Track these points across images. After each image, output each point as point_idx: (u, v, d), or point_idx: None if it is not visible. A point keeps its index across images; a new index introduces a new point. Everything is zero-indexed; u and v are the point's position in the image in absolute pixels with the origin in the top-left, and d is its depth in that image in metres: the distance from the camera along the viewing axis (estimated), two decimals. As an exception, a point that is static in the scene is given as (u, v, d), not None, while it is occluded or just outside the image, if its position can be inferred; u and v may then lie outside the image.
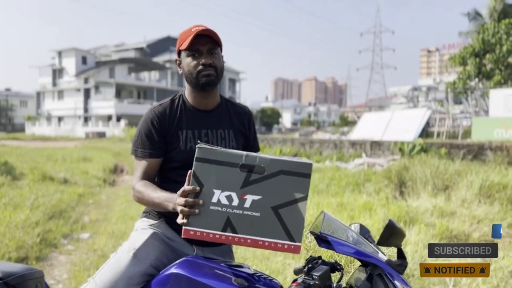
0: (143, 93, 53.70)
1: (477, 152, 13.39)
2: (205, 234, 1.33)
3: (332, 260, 1.53)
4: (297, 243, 1.34)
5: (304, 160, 1.36)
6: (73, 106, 52.11)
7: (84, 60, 53.67)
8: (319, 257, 1.50)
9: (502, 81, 23.73)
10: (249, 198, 1.33)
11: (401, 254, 1.47)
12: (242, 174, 1.33)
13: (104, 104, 48.94)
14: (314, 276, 1.34)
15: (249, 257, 4.16)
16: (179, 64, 1.74)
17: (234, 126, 1.81)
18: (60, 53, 54.64)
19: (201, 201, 1.31)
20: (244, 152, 1.35)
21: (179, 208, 1.33)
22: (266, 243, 1.34)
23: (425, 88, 34.05)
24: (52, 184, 8.82)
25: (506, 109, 17.51)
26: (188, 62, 1.68)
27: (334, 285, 1.41)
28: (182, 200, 1.32)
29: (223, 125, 1.78)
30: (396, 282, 1.39)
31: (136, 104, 49.71)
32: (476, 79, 25.48)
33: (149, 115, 1.71)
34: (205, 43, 1.65)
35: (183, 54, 1.70)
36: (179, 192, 1.35)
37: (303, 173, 1.33)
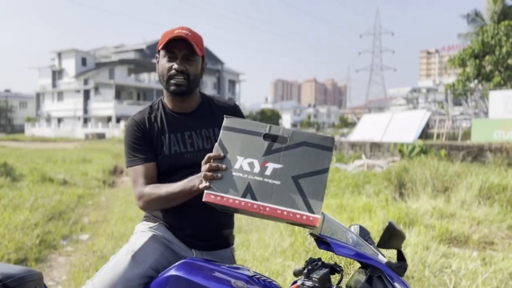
0: (143, 94, 53.73)
1: (477, 154, 13.39)
2: (225, 198, 1.34)
3: (332, 262, 1.52)
4: (316, 215, 1.32)
5: (328, 135, 1.37)
6: (72, 107, 52.11)
7: (83, 61, 53.70)
8: (319, 259, 1.50)
9: (502, 83, 23.74)
10: (270, 166, 1.34)
11: (401, 256, 1.47)
12: (265, 143, 1.36)
13: (104, 105, 48.96)
14: (313, 278, 1.34)
15: (248, 259, 4.16)
16: (158, 63, 1.72)
17: (219, 123, 1.79)
18: (59, 54, 54.67)
19: (224, 166, 1.34)
20: (268, 124, 1.38)
21: (202, 174, 1.35)
22: (285, 212, 1.32)
23: (424, 89, 34.08)
24: (52, 186, 8.81)
25: (505, 111, 17.51)
26: (162, 63, 1.66)
27: (334, 287, 1.41)
28: (206, 166, 1.35)
29: (206, 125, 1.74)
30: (396, 284, 1.39)
31: (136, 106, 49.69)
32: (476, 81, 25.49)
33: (130, 124, 1.71)
34: (182, 48, 1.62)
35: (160, 53, 1.67)
36: (204, 159, 1.37)
37: (325, 146, 1.35)
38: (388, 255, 1.73)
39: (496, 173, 8.10)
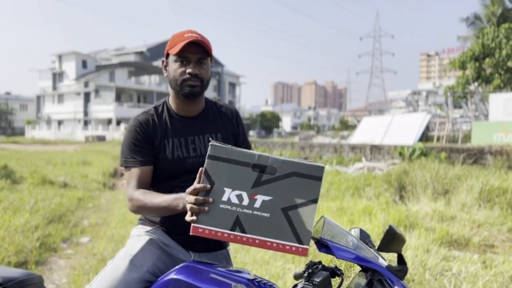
0: (143, 97, 53.76)
1: (477, 157, 13.39)
2: (213, 232, 1.32)
3: (332, 265, 1.52)
4: (305, 246, 1.32)
5: (317, 163, 1.35)
6: (73, 109, 52.15)
7: (84, 64, 53.78)
8: (319, 262, 1.50)
9: (502, 85, 23.78)
10: (260, 198, 1.32)
11: (401, 260, 1.47)
12: (254, 174, 1.32)
13: (104, 107, 49.01)
14: (314, 282, 1.34)
15: (248, 262, 4.15)
16: (165, 67, 1.72)
17: (221, 128, 1.78)
18: (60, 57, 54.76)
19: (211, 199, 1.30)
20: (257, 152, 1.34)
21: (188, 206, 1.32)
22: (274, 244, 1.33)
23: (424, 92, 34.11)
24: (52, 188, 8.81)
25: (505, 113, 17.52)
26: (174, 68, 1.65)
27: (336, 289, 1.41)
28: (192, 198, 1.31)
29: (210, 130, 1.75)
30: (396, 288, 1.39)
31: (136, 108, 49.71)
32: (476, 83, 25.53)
33: (133, 124, 1.69)
34: (196, 51, 1.63)
35: (171, 58, 1.67)
36: (189, 189, 1.33)
37: (315, 176, 1.32)
38: (388, 258, 1.73)
39: (496, 176, 8.09)
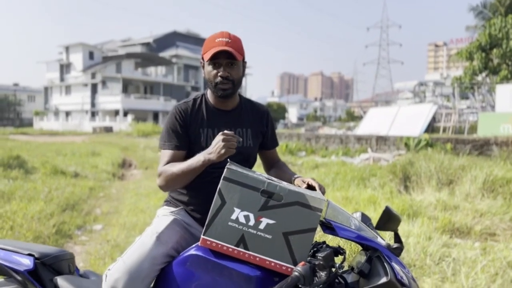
0: (150, 88, 53.98)
1: (483, 148, 13.44)
2: (219, 246, 1.50)
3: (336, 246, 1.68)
4: None
5: (319, 196, 1.53)
6: (80, 101, 52.51)
7: (91, 55, 54.02)
8: (324, 242, 1.65)
9: (509, 76, 23.64)
10: (264, 221, 1.49)
11: (398, 238, 1.62)
12: (262, 199, 1.48)
13: (111, 99, 49.28)
14: (318, 257, 1.49)
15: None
16: (203, 67, 1.87)
17: (252, 125, 1.94)
18: (67, 48, 55.03)
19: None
20: (267, 180, 1.50)
21: (220, 144, 1.59)
22: (272, 264, 1.50)
23: (431, 83, 33.94)
24: (64, 178, 9.03)
25: (512, 104, 17.49)
26: (208, 70, 1.82)
27: (337, 265, 1.56)
28: (222, 137, 1.59)
29: (241, 124, 1.91)
30: (394, 264, 1.53)
31: (143, 99, 49.98)
32: (483, 74, 25.39)
33: (173, 112, 1.86)
34: (226, 56, 1.77)
35: (205, 61, 1.82)
36: (220, 133, 1.62)
37: (316, 207, 1.49)
38: (387, 239, 1.88)
39: (500, 166, 8.18)
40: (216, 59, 1.77)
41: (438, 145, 13.62)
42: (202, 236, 1.52)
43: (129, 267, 1.59)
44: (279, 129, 42.15)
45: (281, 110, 68.63)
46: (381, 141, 16.75)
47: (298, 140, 20.11)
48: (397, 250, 1.58)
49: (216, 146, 1.60)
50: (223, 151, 1.58)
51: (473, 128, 19.46)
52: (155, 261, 1.61)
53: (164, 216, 1.83)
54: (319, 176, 9.16)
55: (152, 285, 1.66)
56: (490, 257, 3.77)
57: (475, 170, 7.75)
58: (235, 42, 1.80)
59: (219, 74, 1.78)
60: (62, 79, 56.03)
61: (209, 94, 1.92)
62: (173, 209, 1.87)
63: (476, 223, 5.53)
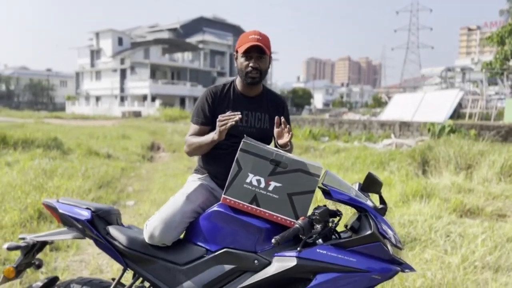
0: (177, 73, 54.74)
1: (508, 134, 13.36)
2: (237, 203, 1.90)
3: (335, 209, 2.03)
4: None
5: (317, 164, 1.91)
6: (110, 86, 53.79)
7: (120, 41, 55.02)
8: (324, 205, 2.01)
9: (541, 62, 23.00)
10: (273, 184, 1.88)
11: (382, 200, 1.96)
12: (271, 166, 1.88)
13: (140, 84, 50.31)
14: (315, 213, 1.85)
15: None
16: (236, 59, 2.24)
17: (270, 111, 2.29)
18: (97, 35, 56.21)
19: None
20: (275, 151, 1.90)
21: (219, 124, 1.99)
22: (279, 218, 1.89)
23: (458, 68, 33.22)
24: (98, 158, 9.64)
25: (542, 91, 17.13)
26: (241, 61, 2.18)
27: (333, 224, 1.93)
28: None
29: (261, 109, 2.26)
30: (379, 220, 1.88)
31: (170, 85, 50.82)
32: (514, 59, 24.73)
33: (205, 93, 2.25)
34: (257, 50, 2.14)
35: (239, 53, 2.19)
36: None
37: (314, 174, 1.87)
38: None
39: (520, 152, 8.24)
40: (248, 53, 2.14)
41: (462, 131, 13.60)
42: (223, 195, 1.92)
43: (164, 218, 2.00)
44: (303, 115, 42.12)
45: (307, 96, 68.35)
46: (405, 127, 16.79)
47: (322, 125, 20.27)
48: (382, 210, 1.93)
49: (216, 128, 2.01)
50: (219, 131, 1.99)
51: (501, 114, 19.17)
52: (185, 215, 2.02)
53: (193, 181, 2.23)
54: (339, 160, 9.43)
55: (183, 235, 2.07)
56: (491, 233, 4.03)
57: (493, 155, 7.87)
58: (264, 39, 2.16)
59: (250, 65, 2.14)
60: (92, 65, 57.45)
61: (237, 81, 2.28)
62: (200, 175, 2.26)
63: (487, 205, 5.71)
